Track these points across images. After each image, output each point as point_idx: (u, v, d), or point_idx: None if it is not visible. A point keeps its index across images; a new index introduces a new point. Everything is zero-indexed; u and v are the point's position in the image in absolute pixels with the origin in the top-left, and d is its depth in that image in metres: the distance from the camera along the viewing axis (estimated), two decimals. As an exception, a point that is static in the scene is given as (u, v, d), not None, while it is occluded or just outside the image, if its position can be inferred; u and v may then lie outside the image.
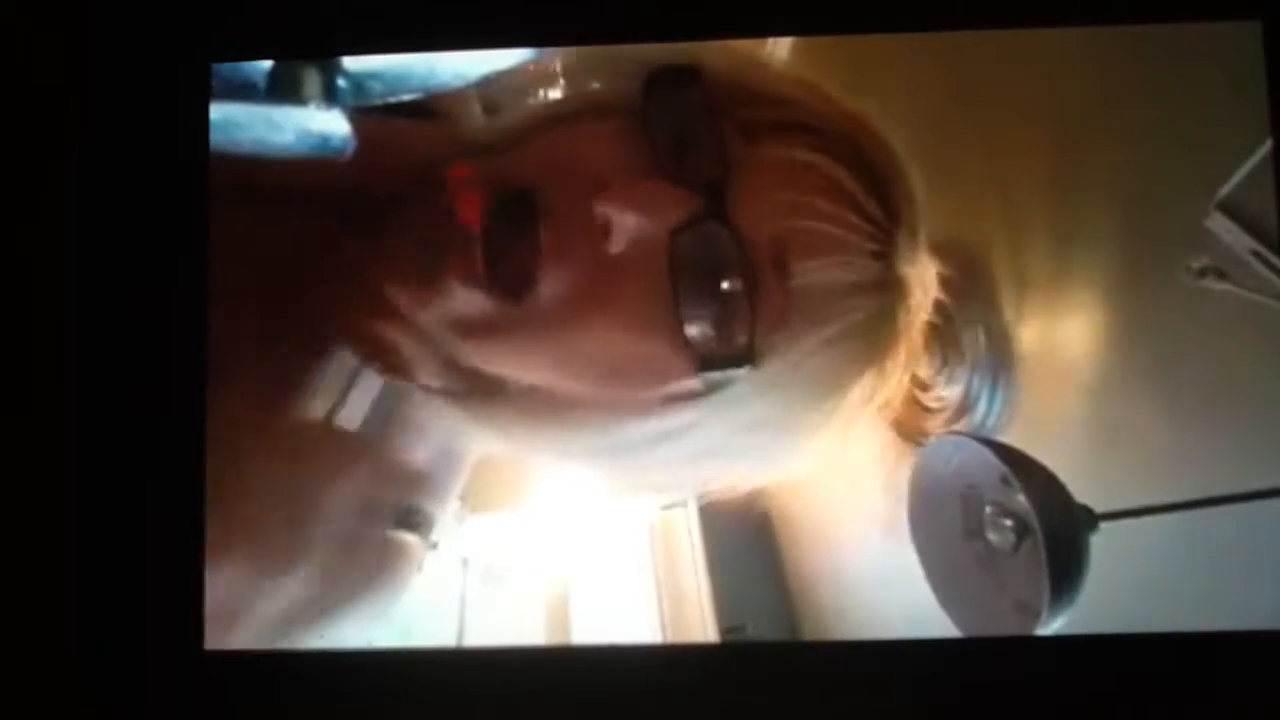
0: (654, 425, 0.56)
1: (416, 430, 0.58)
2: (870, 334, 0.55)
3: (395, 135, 0.61)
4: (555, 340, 0.55)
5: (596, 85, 0.60)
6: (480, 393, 0.58)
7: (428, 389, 0.58)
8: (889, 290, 0.56)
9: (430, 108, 0.61)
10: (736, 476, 0.59)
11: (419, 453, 0.59)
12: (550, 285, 0.54)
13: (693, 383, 0.55)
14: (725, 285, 0.53)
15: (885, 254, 0.55)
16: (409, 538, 0.60)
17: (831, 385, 0.56)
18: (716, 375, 0.55)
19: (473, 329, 0.56)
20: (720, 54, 0.59)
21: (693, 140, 0.55)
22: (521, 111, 0.60)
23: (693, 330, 0.54)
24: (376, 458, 0.58)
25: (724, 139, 0.55)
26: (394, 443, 0.58)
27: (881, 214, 0.55)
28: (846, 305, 0.54)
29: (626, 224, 0.53)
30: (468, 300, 0.55)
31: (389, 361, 0.58)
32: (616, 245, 0.53)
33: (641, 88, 0.56)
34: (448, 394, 0.58)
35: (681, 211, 0.54)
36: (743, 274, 0.53)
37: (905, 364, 0.58)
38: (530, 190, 0.55)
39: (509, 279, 0.54)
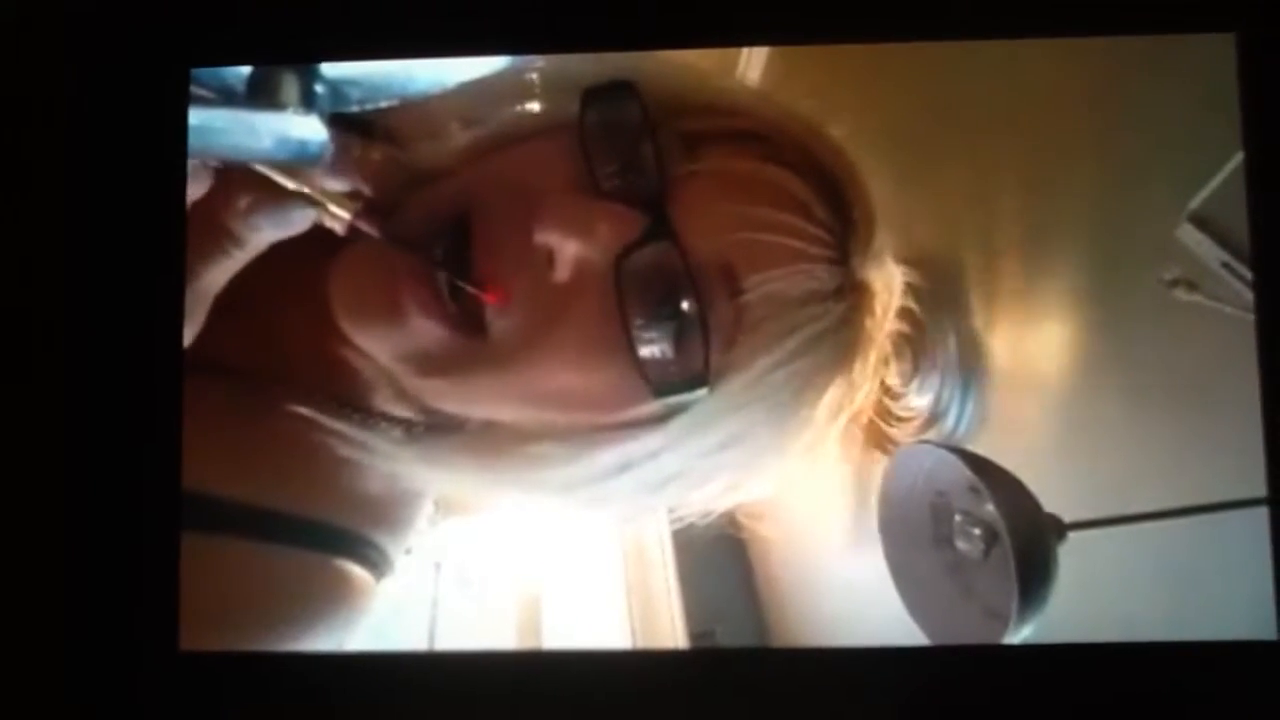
0: (616, 454, 0.54)
1: (371, 456, 0.56)
2: (834, 342, 0.53)
3: (349, 157, 0.60)
4: (510, 373, 0.52)
5: (533, 106, 0.58)
6: (437, 429, 0.56)
7: (385, 416, 0.57)
8: (850, 295, 0.53)
9: (380, 127, 0.59)
10: (703, 502, 0.57)
11: (374, 482, 0.57)
12: (498, 316, 0.51)
13: (652, 408, 0.52)
14: (675, 306, 0.51)
15: (842, 259, 0.53)
16: (359, 572, 0.58)
17: (798, 399, 0.53)
18: (675, 399, 0.52)
19: (429, 365, 0.53)
20: (658, 66, 0.57)
21: (631, 156, 0.52)
22: (462, 136, 0.57)
23: (645, 354, 0.51)
24: (334, 479, 0.57)
25: (663, 153, 0.52)
26: (347, 465, 0.56)
27: (834, 218, 0.53)
28: (805, 315, 0.51)
29: (569, 251, 0.51)
30: (427, 334, 0.52)
31: (345, 386, 0.56)
32: (562, 274, 0.51)
33: (577, 106, 0.53)
34: (405, 425, 0.57)
35: (626, 232, 0.51)
36: (693, 293, 0.50)
37: (875, 370, 0.56)
38: (467, 217, 0.52)
39: (467, 311, 0.52)
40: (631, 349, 0.51)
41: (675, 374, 0.51)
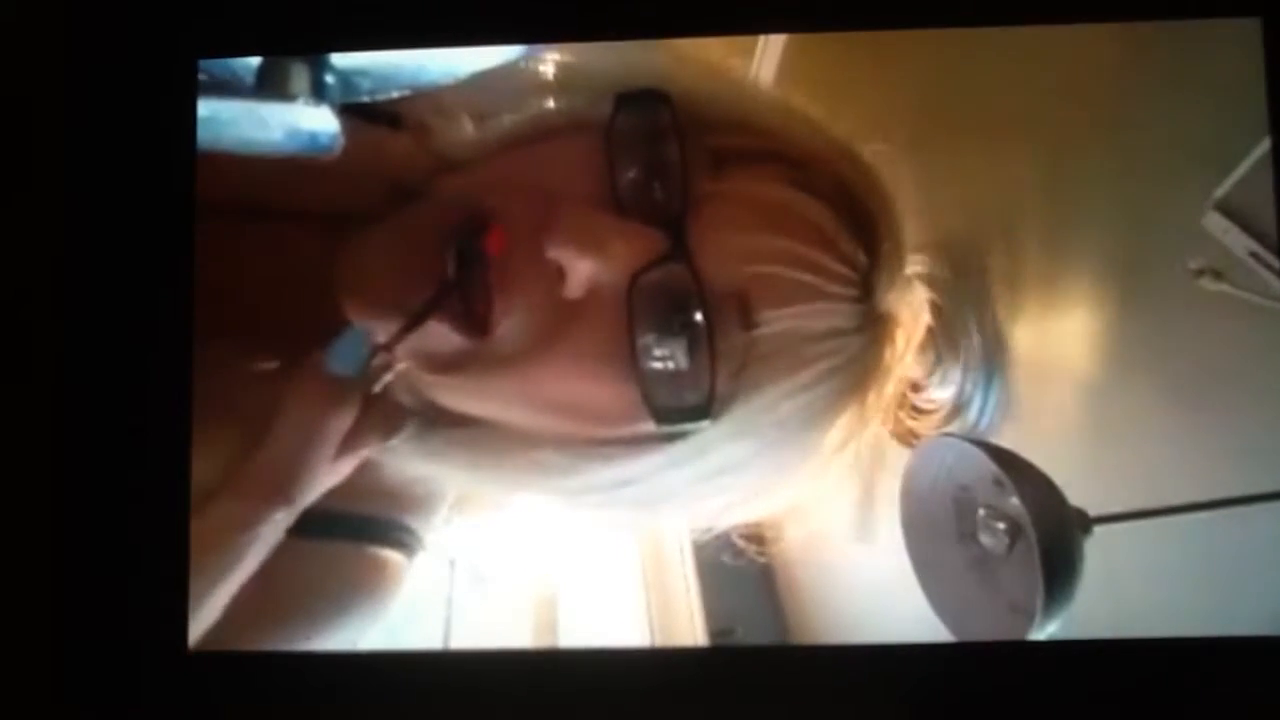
0: (616, 470, 0.52)
1: (392, 449, 0.56)
2: (849, 374, 0.51)
3: (373, 145, 0.59)
4: (510, 376, 0.51)
5: (564, 104, 0.57)
6: (446, 424, 0.55)
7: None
8: (871, 329, 0.51)
9: (408, 115, 0.58)
10: (708, 518, 0.56)
11: (398, 471, 0.57)
12: (505, 321, 0.50)
13: (652, 428, 0.51)
14: (685, 331, 0.49)
15: (865, 296, 0.51)
16: (393, 555, 0.58)
17: (806, 429, 0.52)
18: (676, 428, 0.51)
19: (437, 362, 0.53)
20: (695, 76, 0.56)
21: (656, 168, 0.51)
22: (490, 126, 0.56)
23: (649, 376, 0.50)
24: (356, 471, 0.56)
25: (690, 169, 0.50)
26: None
27: (862, 253, 0.50)
28: (821, 350, 0.50)
29: (582, 270, 0.49)
30: (436, 333, 0.51)
31: None
32: (573, 290, 0.50)
33: (610, 109, 0.52)
34: (419, 416, 0.56)
35: (643, 251, 0.49)
36: (704, 320, 0.49)
37: (889, 402, 0.55)
38: (487, 217, 0.51)
39: (474, 312, 0.51)
40: (637, 370, 0.50)
41: (678, 402, 0.50)
